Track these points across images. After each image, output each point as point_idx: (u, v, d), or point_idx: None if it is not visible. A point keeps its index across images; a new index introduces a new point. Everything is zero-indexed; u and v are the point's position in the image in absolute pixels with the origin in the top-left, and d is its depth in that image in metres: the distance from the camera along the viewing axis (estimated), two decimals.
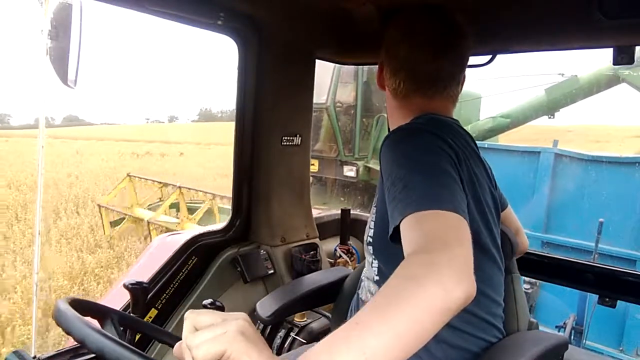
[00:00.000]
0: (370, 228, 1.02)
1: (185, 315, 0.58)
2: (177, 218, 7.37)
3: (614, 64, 1.30)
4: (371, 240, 1.01)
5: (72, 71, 1.06)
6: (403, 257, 0.74)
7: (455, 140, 0.90)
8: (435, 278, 0.59)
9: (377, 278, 1.01)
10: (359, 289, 1.13)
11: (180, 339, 0.61)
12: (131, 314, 1.01)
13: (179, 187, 7.50)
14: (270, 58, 1.60)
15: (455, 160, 0.85)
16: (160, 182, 8.39)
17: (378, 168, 7.34)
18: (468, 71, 1.11)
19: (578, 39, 1.33)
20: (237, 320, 0.55)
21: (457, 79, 1.05)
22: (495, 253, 0.99)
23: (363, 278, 1.12)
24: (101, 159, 18.95)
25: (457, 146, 0.88)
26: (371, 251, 1.02)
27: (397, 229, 0.75)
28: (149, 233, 6.94)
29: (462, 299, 0.60)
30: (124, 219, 7.73)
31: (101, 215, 7.92)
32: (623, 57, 1.27)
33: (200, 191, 7.90)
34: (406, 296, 0.57)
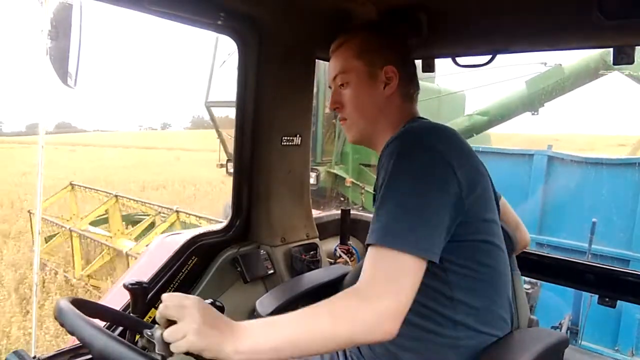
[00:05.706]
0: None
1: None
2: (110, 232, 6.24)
3: (613, 64, 1.31)
4: None
5: (72, 71, 1.06)
6: None
7: (452, 148, 0.91)
8: (350, 332, 0.73)
9: None
10: None
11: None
12: (131, 314, 1.01)
13: (116, 196, 6.33)
14: (270, 58, 1.59)
15: (452, 175, 0.86)
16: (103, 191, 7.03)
17: (343, 175, 6.14)
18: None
19: (578, 39, 1.33)
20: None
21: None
22: (504, 248, 1.01)
23: None
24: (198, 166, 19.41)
25: (454, 157, 0.89)
26: None
27: None
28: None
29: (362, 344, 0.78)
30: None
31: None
32: (623, 57, 1.27)
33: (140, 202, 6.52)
34: (321, 334, 0.73)
